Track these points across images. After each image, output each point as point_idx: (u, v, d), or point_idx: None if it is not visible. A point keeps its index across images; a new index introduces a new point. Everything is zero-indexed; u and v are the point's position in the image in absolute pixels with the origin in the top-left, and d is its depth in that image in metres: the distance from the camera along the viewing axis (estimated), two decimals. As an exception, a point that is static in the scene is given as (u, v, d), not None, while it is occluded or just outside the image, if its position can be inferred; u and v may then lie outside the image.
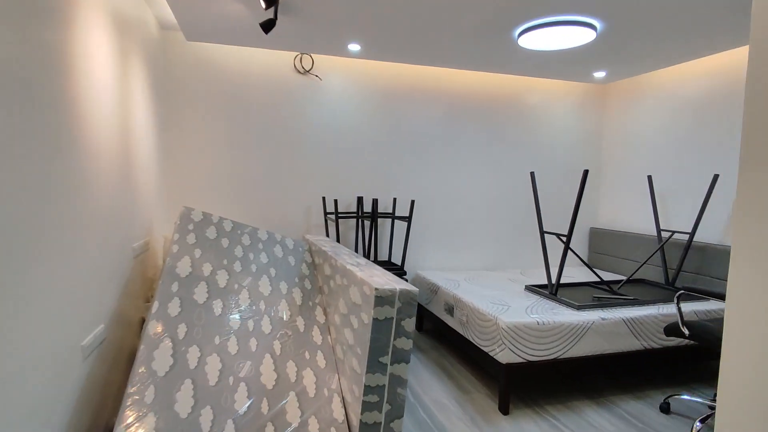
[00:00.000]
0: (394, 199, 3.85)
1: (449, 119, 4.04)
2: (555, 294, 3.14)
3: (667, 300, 3.16)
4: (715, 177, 3.21)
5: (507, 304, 2.97)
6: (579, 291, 3.39)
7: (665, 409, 2.64)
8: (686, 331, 2.41)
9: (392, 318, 1.84)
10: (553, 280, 3.71)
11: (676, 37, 3.03)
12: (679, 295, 2.52)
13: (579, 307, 2.90)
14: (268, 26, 2.61)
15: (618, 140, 4.35)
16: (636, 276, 3.99)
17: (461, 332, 3.08)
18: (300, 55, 3.63)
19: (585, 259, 4.60)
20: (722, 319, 2.47)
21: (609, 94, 4.46)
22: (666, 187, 3.84)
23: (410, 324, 1.88)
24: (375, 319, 1.82)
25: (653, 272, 3.84)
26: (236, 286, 2.41)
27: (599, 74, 3.98)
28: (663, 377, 3.09)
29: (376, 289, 1.82)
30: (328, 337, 2.42)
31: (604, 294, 3.25)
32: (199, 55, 3.45)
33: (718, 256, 3.31)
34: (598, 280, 3.91)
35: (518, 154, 4.27)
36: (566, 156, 4.41)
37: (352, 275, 2.14)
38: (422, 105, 3.97)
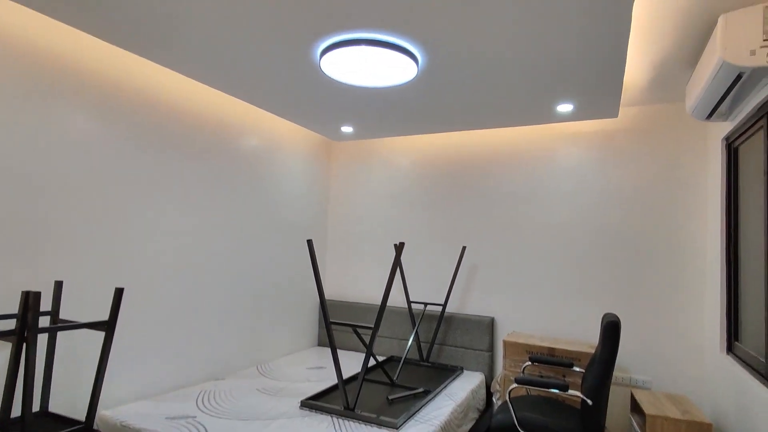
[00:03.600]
0: (58, 287, 2.01)
1: (153, 148, 2.58)
2: (353, 409, 2.29)
3: (439, 382, 2.90)
4: (464, 248, 3.30)
5: (311, 451, 1.88)
6: (362, 392, 2.66)
7: None
8: (525, 433, 2.10)
9: None
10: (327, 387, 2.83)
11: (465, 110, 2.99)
12: (512, 389, 2.23)
13: (398, 426, 2.17)
14: None
15: (347, 203, 4.04)
16: (385, 353, 3.65)
17: None
18: None
19: (316, 337, 3.93)
20: (533, 402, 2.33)
21: (334, 152, 4.15)
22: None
23: None
24: None
25: (397, 346, 3.60)
26: None
27: (347, 129, 3.59)
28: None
29: None
30: None
31: (394, 393, 2.65)
32: None
33: (460, 326, 3.38)
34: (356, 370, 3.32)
35: (236, 211, 3.22)
36: (292, 216, 3.69)
37: None
38: (109, 115, 2.36)
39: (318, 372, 3.09)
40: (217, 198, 2.95)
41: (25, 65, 1.97)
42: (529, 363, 2.63)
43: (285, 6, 1.78)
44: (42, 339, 2.03)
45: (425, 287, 3.64)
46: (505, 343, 2.88)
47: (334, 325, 3.83)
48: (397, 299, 3.77)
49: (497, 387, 2.97)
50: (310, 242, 2.43)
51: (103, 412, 2.21)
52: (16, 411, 1.90)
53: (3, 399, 1.65)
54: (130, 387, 2.42)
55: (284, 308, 3.56)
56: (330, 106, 3.00)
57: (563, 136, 3.26)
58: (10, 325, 1.90)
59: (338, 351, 3.76)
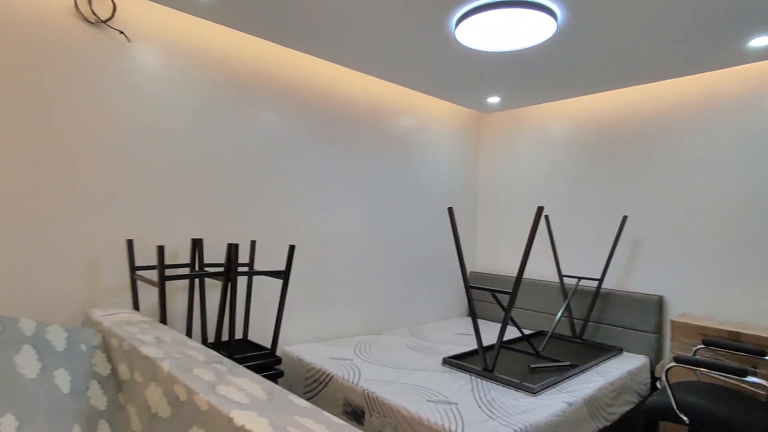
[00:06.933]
0: (253, 244, 2.56)
1: (321, 134, 2.99)
2: (492, 371, 2.35)
3: (590, 359, 2.73)
4: (624, 218, 3.00)
5: (446, 399, 2.03)
6: (505, 359, 2.70)
7: None
8: (686, 419, 1.88)
9: None
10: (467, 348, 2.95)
11: (613, 62, 2.74)
12: (669, 369, 2.02)
13: (536, 392, 2.16)
14: None
15: (497, 176, 4.01)
16: (534, 328, 3.58)
17: (384, 453, 1.99)
18: (94, -4, 2.09)
19: (467, 307, 4.06)
20: (704, 389, 2.04)
21: (485, 125, 4.13)
22: (555, 229, 3.58)
23: None
24: None
25: (547, 321, 3.48)
26: None
27: (493, 99, 3.56)
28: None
29: None
30: None
31: (538, 363, 2.63)
32: None
33: (620, 303, 3.09)
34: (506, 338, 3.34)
35: (392, 186, 3.48)
36: (442, 191, 3.82)
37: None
38: (287, 110, 2.83)
39: (465, 338, 3.22)
40: (377, 178, 3.28)
41: (224, 75, 2.53)
42: (702, 346, 2.28)
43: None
44: (244, 283, 2.62)
45: (580, 261, 3.41)
46: (672, 323, 2.54)
47: (481, 291, 3.89)
48: (548, 273, 3.62)
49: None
50: (450, 210, 2.54)
51: (285, 347, 2.74)
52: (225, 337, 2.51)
53: (216, 326, 2.21)
54: (305, 330, 2.93)
55: (436, 278, 3.77)
56: (471, 76, 3.03)
57: (754, 81, 2.64)
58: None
59: (490, 323, 3.80)
